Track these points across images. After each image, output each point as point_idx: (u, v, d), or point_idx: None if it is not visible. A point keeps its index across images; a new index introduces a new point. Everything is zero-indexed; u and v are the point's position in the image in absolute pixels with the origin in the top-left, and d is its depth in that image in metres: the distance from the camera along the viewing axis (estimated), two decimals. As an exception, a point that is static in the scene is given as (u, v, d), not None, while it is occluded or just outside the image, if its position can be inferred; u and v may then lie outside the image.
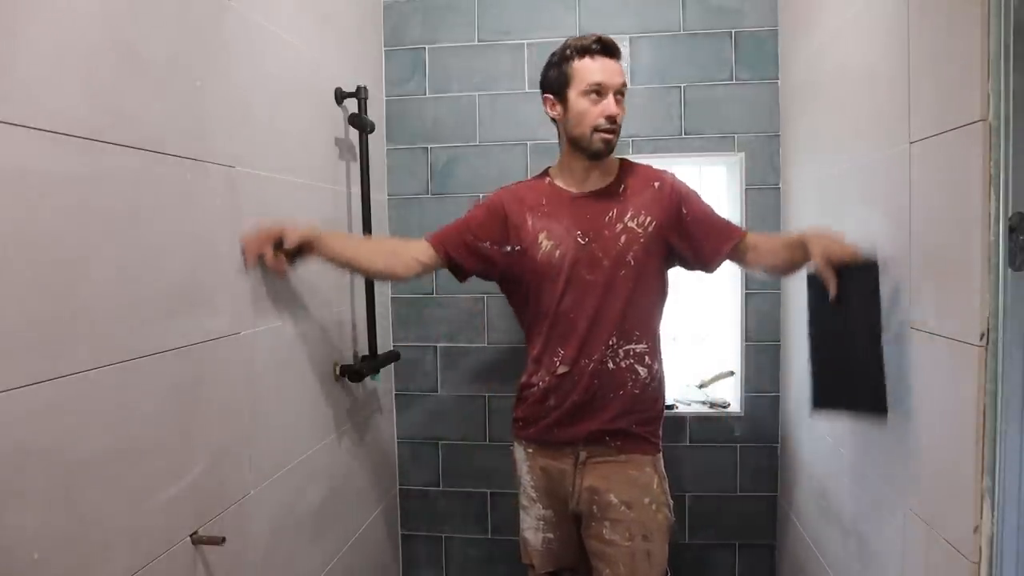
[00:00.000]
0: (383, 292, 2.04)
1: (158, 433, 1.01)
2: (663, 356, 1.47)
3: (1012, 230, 0.85)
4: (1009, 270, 0.86)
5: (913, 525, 1.11)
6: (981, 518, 0.90)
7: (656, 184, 1.42)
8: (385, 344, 2.03)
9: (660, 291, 1.45)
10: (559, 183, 1.44)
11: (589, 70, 1.34)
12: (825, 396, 1.28)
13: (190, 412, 1.09)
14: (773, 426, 2.01)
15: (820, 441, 1.62)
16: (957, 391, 0.95)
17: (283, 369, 1.41)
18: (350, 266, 1.50)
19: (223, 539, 1.10)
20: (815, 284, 1.26)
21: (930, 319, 1.05)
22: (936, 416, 1.04)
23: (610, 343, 1.36)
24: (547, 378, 1.40)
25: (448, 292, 2.10)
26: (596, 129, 1.34)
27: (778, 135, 1.96)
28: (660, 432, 1.46)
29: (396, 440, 2.16)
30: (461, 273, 1.47)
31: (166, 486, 1.03)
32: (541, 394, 1.42)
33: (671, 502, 1.45)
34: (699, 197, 1.45)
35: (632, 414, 1.39)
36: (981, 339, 0.90)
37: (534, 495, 1.48)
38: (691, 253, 1.42)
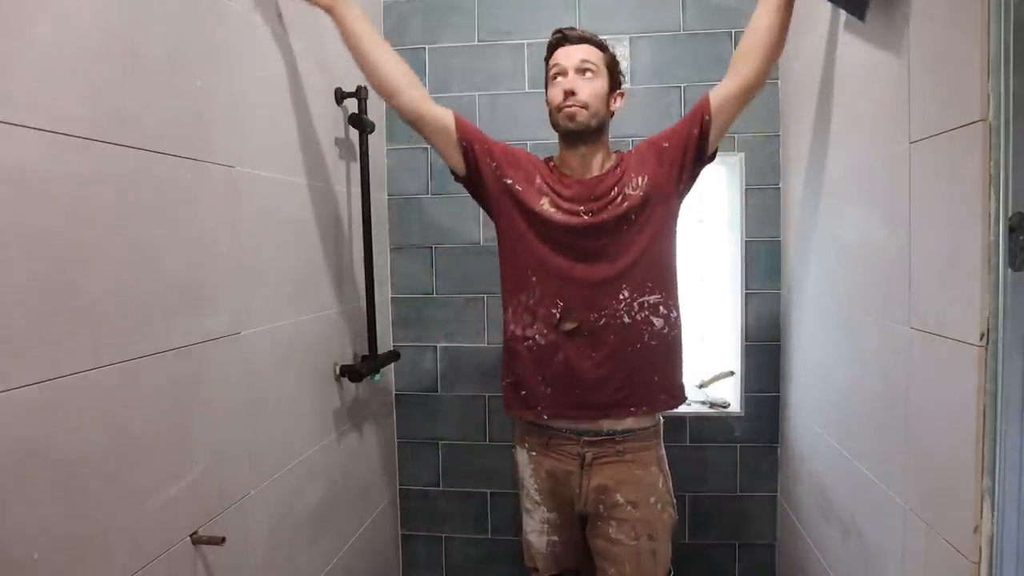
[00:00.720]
0: (383, 292, 2.04)
1: (158, 433, 1.01)
2: (679, 303, 1.45)
3: (1012, 230, 0.85)
4: (1009, 270, 0.86)
5: (913, 525, 1.11)
6: (981, 518, 0.90)
7: (634, 152, 1.46)
8: (385, 344, 2.03)
9: (667, 240, 1.44)
10: (561, 170, 1.47)
11: (553, 61, 1.44)
12: None
13: (190, 412, 1.09)
14: (773, 426, 2.01)
15: (820, 440, 1.62)
16: (957, 391, 0.95)
17: (283, 369, 1.41)
18: (358, 37, 1.40)
19: (223, 539, 1.10)
20: None
21: (930, 319, 1.05)
22: (936, 416, 1.04)
23: (621, 297, 1.37)
24: (545, 331, 1.39)
25: (448, 292, 2.10)
26: (558, 108, 1.40)
27: (778, 135, 1.96)
28: (682, 382, 1.47)
29: (396, 440, 2.16)
30: (465, 162, 1.45)
31: (166, 486, 1.03)
32: (541, 351, 1.39)
33: (675, 501, 1.45)
34: (673, 125, 1.46)
35: (653, 366, 1.40)
36: (981, 339, 0.90)
37: (538, 498, 1.48)
38: (693, 156, 1.41)
